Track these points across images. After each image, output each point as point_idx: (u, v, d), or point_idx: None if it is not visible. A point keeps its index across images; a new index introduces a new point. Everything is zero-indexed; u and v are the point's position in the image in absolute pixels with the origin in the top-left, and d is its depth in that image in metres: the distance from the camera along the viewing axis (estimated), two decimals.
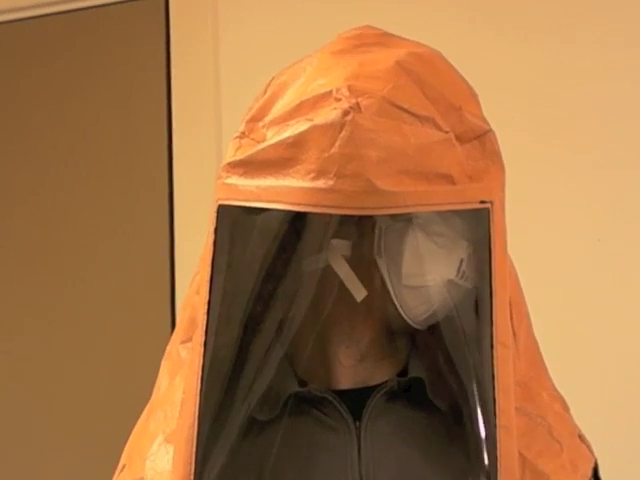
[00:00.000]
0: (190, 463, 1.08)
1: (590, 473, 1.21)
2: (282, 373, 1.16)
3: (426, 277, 1.12)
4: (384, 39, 1.16)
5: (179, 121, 2.41)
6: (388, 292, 1.12)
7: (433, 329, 1.19)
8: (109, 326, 2.44)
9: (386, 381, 1.19)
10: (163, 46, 2.45)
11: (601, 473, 1.25)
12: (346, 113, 1.03)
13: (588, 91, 2.15)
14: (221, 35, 2.40)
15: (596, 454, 1.25)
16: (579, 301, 2.11)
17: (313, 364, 1.19)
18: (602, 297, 2.10)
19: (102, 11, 2.53)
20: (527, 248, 2.10)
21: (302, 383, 1.18)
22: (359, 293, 1.12)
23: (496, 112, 2.09)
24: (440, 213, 1.10)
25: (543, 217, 2.14)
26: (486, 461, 1.09)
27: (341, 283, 1.13)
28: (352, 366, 1.19)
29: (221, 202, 1.10)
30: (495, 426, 1.08)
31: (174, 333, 1.24)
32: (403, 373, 1.20)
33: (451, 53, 1.91)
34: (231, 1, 2.41)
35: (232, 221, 1.11)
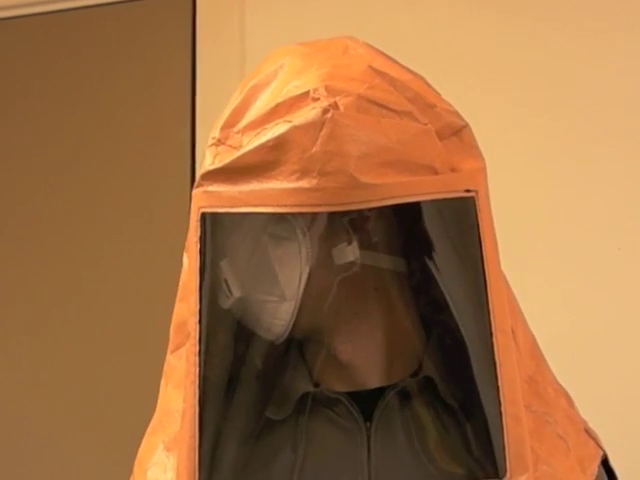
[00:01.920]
0: (194, 472, 1.08)
1: (596, 470, 1.20)
2: (296, 373, 1.17)
3: None
4: (350, 37, 1.18)
5: (203, 117, 2.42)
6: None
7: (444, 325, 1.18)
8: (122, 326, 2.47)
9: (398, 381, 1.18)
10: (189, 42, 2.48)
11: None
12: (325, 111, 1.03)
13: (611, 99, 2.15)
14: (247, 31, 2.41)
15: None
16: (600, 310, 2.11)
17: (325, 364, 1.19)
18: (623, 306, 2.10)
19: (129, 6, 2.56)
20: (548, 257, 2.10)
21: (316, 383, 1.18)
22: None
23: (519, 118, 2.12)
24: None
25: (564, 226, 2.14)
26: (495, 452, 1.08)
27: (340, 282, 1.13)
28: (362, 365, 1.19)
29: (204, 210, 1.10)
30: (501, 414, 1.07)
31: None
32: (418, 371, 1.19)
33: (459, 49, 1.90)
34: None
35: (216, 229, 1.11)
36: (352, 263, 1.12)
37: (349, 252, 1.11)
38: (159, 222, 2.47)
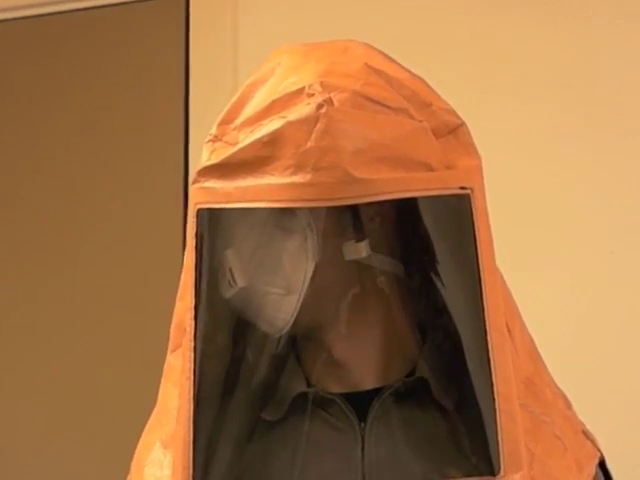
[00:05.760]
0: (188, 468, 1.08)
1: (594, 471, 1.20)
2: (290, 373, 1.17)
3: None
4: (345, 40, 1.19)
5: (196, 116, 2.43)
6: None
7: (440, 327, 1.18)
8: (116, 322, 2.47)
9: (393, 382, 1.18)
10: (182, 44, 2.48)
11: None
12: (320, 107, 1.04)
13: (606, 101, 2.15)
14: (240, 32, 2.42)
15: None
16: (593, 313, 2.10)
17: (321, 365, 1.18)
18: (616, 309, 2.09)
19: (122, 9, 2.57)
20: (541, 260, 2.11)
21: (310, 384, 1.18)
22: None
23: (514, 120, 2.12)
24: None
25: (557, 229, 2.14)
26: (489, 450, 1.08)
27: (342, 281, 1.14)
28: (358, 366, 1.18)
29: (200, 206, 1.10)
30: (495, 411, 1.07)
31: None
32: (412, 373, 1.19)
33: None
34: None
35: (213, 224, 1.11)
36: (357, 262, 1.13)
37: (361, 248, 1.11)
38: (154, 222, 2.46)
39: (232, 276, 1.11)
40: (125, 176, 2.53)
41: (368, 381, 1.18)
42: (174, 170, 2.45)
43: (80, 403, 2.49)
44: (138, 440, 1.24)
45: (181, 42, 2.48)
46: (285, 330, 1.12)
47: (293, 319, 1.11)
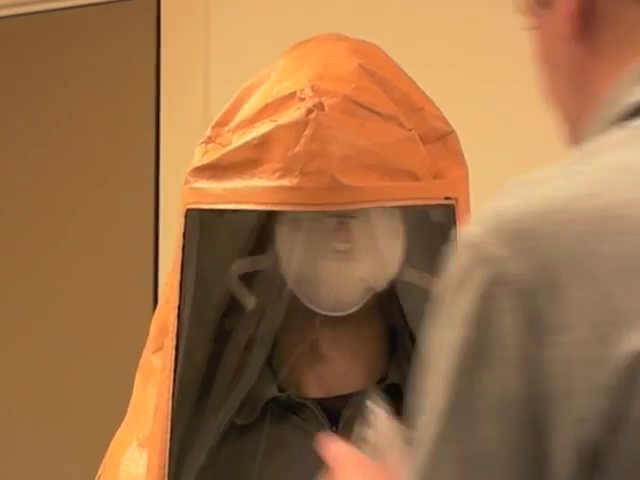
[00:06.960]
0: (164, 466, 1.09)
1: None
2: (262, 378, 1.16)
3: None
4: (342, 36, 1.19)
5: (167, 115, 2.42)
6: None
7: (415, 333, 1.19)
8: (90, 319, 2.45)
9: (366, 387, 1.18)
10: (154, 43, 2.49)
11: None
12: (310, 112, 1.05)
13: None
14: (211, 36, 2.42)
15: None
16: None
17: (293, 370, 1.18)
18: None
19: (94, 9, 2.57)
20: None
21: (282, 389, 1.18)
22: (248, 302, 1.14)
23: (499, 122, 2.12)
24: None
25: None
26: None
27: None
28: (331, 372, 1.19)
29: (189, 206, 1.11)
30: None
31: (146, 345, 1.25)
32: (385, 379, 1.20)
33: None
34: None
35: (201, 225, 1.12)
36: None
37: None
38: (125, 218, 2.46)
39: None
40: (97, 173, 2.53)
41: (344, 386, 1.19)
42: (145, 165, 2.44)
43: (53, 402, 2.48)
44: (106, 440, 1.23)
45: (152, 42, 2.48)
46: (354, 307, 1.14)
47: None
